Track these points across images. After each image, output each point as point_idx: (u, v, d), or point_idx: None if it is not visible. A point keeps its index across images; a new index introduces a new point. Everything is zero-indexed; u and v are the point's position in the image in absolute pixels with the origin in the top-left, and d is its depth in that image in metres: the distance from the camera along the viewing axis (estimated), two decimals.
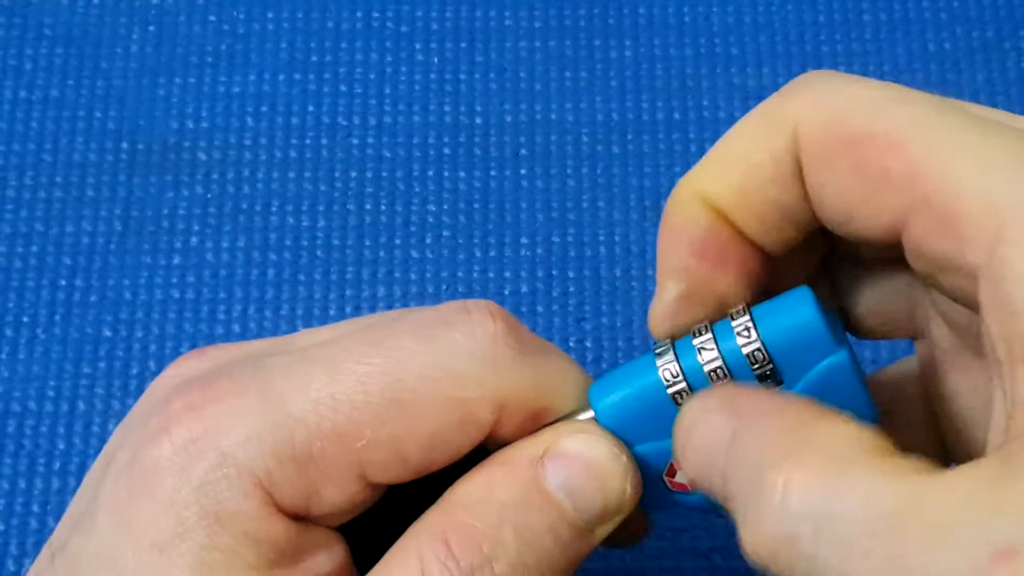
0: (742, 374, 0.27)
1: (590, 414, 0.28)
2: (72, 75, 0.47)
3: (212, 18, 0.48)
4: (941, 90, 0.46)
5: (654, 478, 0.28)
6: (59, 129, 0.46)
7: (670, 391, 0.27)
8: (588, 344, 0.43)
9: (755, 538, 0.22)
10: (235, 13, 0.48)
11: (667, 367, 0.27)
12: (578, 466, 0.27)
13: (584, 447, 0.27)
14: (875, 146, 0.24)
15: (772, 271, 0.28)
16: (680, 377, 0.27)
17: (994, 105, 0.46)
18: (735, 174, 0.26)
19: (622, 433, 0.27)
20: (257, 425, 0.26)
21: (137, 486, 0.26)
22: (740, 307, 0.27)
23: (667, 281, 0.27)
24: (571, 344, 0.43)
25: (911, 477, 0.21)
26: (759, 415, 0.24)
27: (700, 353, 0.27)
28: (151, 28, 0.48)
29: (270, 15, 0.48)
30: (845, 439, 0.22)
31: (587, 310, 0.43)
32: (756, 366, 0.26)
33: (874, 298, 0.29)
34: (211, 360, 0.28)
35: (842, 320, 0.30)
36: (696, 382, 0.27)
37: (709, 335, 0.27)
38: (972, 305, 0.23)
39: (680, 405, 0.27)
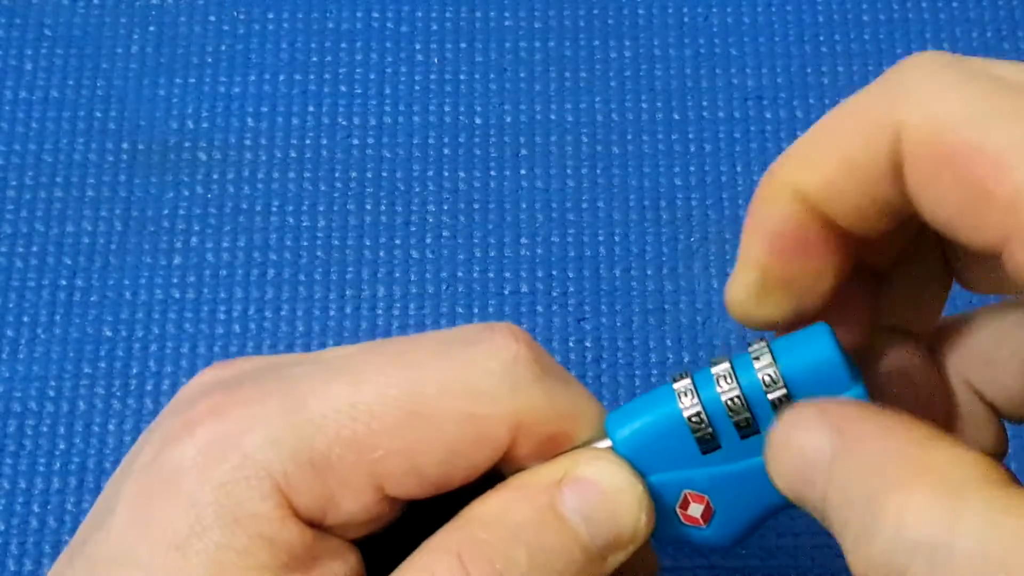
0: (760, 405, 0.27)
1: (607, 443, 0.28)
2: (72, 75, 0.47)
3: (212, 18, 0.48)
4: None
5: (667, 510, 0.28)
6: (59, 129, 0.46)
7: (688, 421, 0.27)
8: (588, 344, 0.43)
9: (867, 565, 0.22)
10: (235, 13, 0.48)
11: (685, 397, 0.27)
12: (595, 493, 0.27)
13: (602, 474, 0.27)
14: (980, 164, 0.23)
15: (865, 250, 0.27)
16: (699, 407, 0.27)
17: None
18: (831, 168, 0.25)
19: (638, 463, 0.28)
20: (278, 429, 0.26)
21: (158, 485, 0.26)
22: (760, 341, 0.27)
23: (746, 269, 0.27)
24: (571, 344, 0.43)
25: None
26: (864, 434, 0.24)
27: (719, 384, 0.27)
28: (151, 29, 0.48)
29: (270, 15, 0.48)
30: (961, 467, 0.22)
31: (587, 310, 0.43)
32: (775, 398, 0.26)
33: (983, 261, 0.28)
34: (236, 369, 0.29)
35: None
36: (714, 413, 0.27)
37: (728, 366, 0.27)
38: None
39: (697, 435, 0.27)
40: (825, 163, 0.26)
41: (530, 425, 0.27)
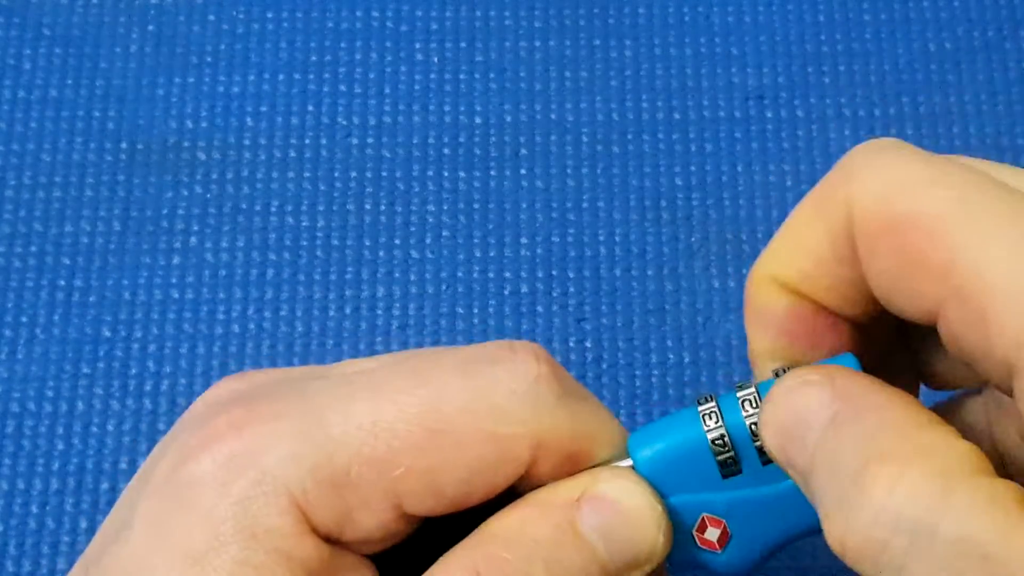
0: None
1: (628, 462, 0.28)
2: (71, 75, 0.47)
3: (212, 18, 0.48)
4: (941, 90, 0.46)
5: (684, 533, 0.28)
6: (58, 129, 0.46)
7: (711, 444, 0.27)
8: (588, 344, 0.43)
9: (844, 534, 0.22)
10: (235, 13, 0.48)
11: (710, 420, 0.27)
12: (614, 511, 0.27)
13: (621, 493, 0.27)
14: (915, 231, 0.23)
15: (864, 337, 0.28)
16: (722, 431, 0.27)
17: (994, 105, 0.46)
18: (799, 256, 0.26)
19: (659, 483, 0.28)
20: (297, 445, 0.26)
21: (176, 499, 0.26)
22: (786, 367, 0.27)
23: (763, 363, 0.28)
24: (571, 344, 0.43)
25: (1013, 508, 0.21)
26: (867, 406, 0.24)
27: (744, 408, 0.27)
28: (151, 28, 0.48)
29: (270, 15, 0.48)
30: (953, 453, 0.22)
31: (587, 310, 0.43)
32: None
33: (944, 354, 0.29)
34: (251, 382, 0.29)
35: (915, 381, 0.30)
36: (738, 437, 0.27)
37: (753, 392, 0.27)
38: (1008, 392, 0.23)
39: (719, 459, 0.27)
40: (793, 252, 0.27)
41: (551, 444, 0.27)
